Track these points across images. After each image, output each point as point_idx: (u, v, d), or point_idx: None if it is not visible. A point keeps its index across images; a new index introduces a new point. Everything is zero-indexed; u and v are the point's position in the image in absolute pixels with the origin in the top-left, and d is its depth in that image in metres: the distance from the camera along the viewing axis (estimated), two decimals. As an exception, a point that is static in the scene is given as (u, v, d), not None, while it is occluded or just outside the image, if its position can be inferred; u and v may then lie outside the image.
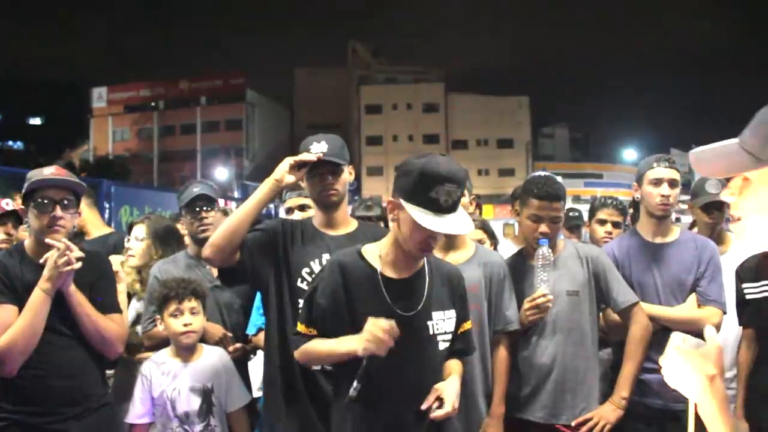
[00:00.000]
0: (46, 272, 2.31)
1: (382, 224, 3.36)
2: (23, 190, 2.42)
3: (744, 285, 2.79)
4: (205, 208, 2.96)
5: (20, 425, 2.32)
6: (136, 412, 2.61)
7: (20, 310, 2.32)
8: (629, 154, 46.14)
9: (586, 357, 2.66)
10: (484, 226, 3.39)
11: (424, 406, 1.96)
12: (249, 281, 2.70)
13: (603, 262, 2.72)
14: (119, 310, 2.58)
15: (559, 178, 2.82)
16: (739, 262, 2.86)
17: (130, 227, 3.38)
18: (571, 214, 4.33)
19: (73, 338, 2.41)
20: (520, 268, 2.76)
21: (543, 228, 2.64)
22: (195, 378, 2.61)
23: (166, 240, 3.20)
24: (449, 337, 2.11)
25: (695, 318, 2.68)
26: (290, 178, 2.40)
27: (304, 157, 2.40)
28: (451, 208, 1.92)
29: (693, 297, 2.77)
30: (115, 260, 2.87)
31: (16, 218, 3.32)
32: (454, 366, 2.14)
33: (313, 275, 2.29)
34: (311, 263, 2.40)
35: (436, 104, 51.87)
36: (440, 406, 1.96)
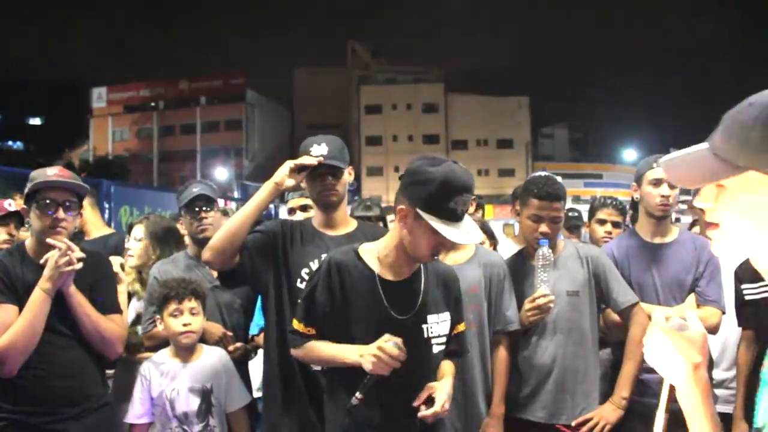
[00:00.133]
0: (46, 272, 2.31)
1: (381, 224, 3.37)
2: (26, 190, 2.42)
3: (743, 286, 2.79)
4: (204, 208, 2.96)
5: (20, 425, 2.32)
6: (136, 412, 2.61)
7: (20, 310, 2.32)
8: (629, 154, 46.10)
9: (586, 357, 2.66)
10: (484, 227, 3.39)
11: (415, 403, 1.96)
12: (249, 283, 2.70)
13: (603, 262, 2.72)
14: (119, 311, 2.58)
15: (559, 179, 2.82)
16: (738, 263, 2.86)
17: (130, 228, 3.39)
18: (570, 214, 4.33)
19: (73, 338, 2.41)
20: (521, 268, 2.76)
21: (543, 228, 2.64)
22: (194, 378, 2.61)
23: (164, 240, 3.20)
24: (443, 340, 2.10)
25: (694, 318, 2.67)
26: (290, 182, 2.41)
27: (304, 160, 2.40)
28: (462, 215, 1.92)
29: (692, 297, 2.78)
30: (115, 261, 2.87)
31: (18, 219, 3.32)
32: (447, 368, 2.14)
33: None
34: (311, 263, 2.41)
35: (435, 104, 51.88)
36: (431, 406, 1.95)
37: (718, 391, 2.93)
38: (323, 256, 2.38)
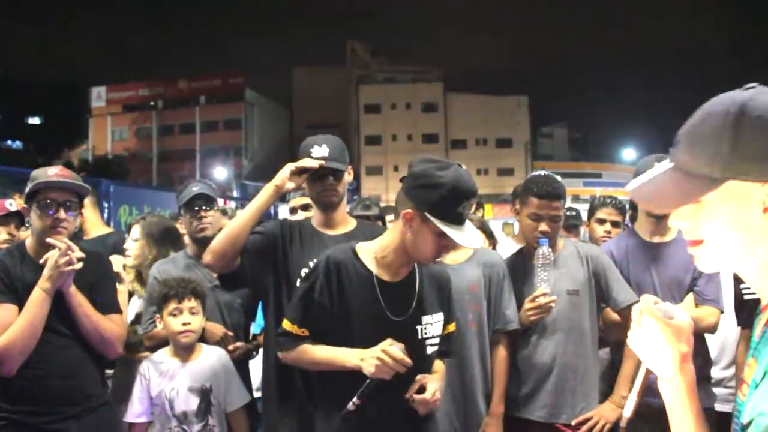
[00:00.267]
0: (46, 272, 2.31)
1: (380, 223, 3.37)
2: (27, 190, 2.42)
3: (742, 285, 2.79)
4: (204, 208, 2.96)
5: (19, 425, 2.32)
6: (135, 411, 2.61)
7: (20, 309, 2.32)
8: (628, 153, 46.07)
9: (586, 356, 2.67)
10: (483, 226, 3.39)
11: (407, 395, 1.96)
12: (249, 285, 2.69)
13: (603, 261, 2.72)
14: (119, 311, 2.58)
15: (558, 178, 2.82)
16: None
17: (129, 227, 3.39)
18: (569, 213, 4.33)
19: (72, 338, 2.41)
20: (520, 267, 2.76)
21: (543, 227, 2.65)
22: (193, 378, 2.61)
23: (161, 240, 3.20)
24: (437, 341, 2.11)
25: (693, 318, 2.68)
26: (291, 185, 2.41)
27: (305, 163, 2.40)
28: (466, 219, 1.95)
29: (690, 297, 2.78)
30: (117, 261, 2.87)
31: (19, 219, 3.32)
32: (438, 366, 2.16)
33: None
34: (310, 263, 2.40)
35: (435, 104, 51.89)
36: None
37: (717, 390, 2.93)
38: (323, 255, 2.39)
